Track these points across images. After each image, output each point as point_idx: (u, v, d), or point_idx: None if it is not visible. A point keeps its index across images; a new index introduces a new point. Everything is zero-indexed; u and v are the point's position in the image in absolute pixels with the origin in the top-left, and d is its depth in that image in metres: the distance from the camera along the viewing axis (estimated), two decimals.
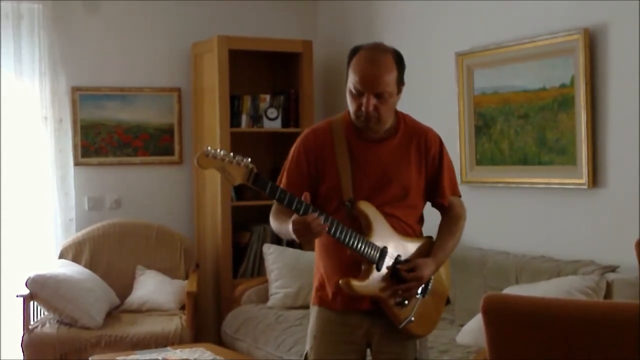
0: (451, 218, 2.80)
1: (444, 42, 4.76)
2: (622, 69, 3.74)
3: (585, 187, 3.90)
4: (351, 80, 2.61)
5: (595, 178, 3.87)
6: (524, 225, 4.30)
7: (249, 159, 2.48)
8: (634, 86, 3.67)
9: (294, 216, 2.49)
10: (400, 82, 2.64)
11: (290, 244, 5.45)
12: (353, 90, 2.61)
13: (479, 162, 4.54)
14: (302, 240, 2.55)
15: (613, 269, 3.65)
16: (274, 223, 2.72)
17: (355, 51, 2.65)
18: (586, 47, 3.84)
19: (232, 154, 2.47)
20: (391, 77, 2.59)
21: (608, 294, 3.54)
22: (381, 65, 2.58)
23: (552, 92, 4.07)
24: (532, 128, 4.19)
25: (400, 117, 2.75)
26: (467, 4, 4.62)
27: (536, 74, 4.15)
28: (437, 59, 4.75)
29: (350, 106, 2.64)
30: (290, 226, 2.50)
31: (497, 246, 4.35)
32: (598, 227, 3.89)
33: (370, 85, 2.57)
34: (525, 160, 4.25)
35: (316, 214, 2.47)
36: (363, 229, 2.61)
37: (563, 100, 4.00)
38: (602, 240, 3.85)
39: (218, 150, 2.47)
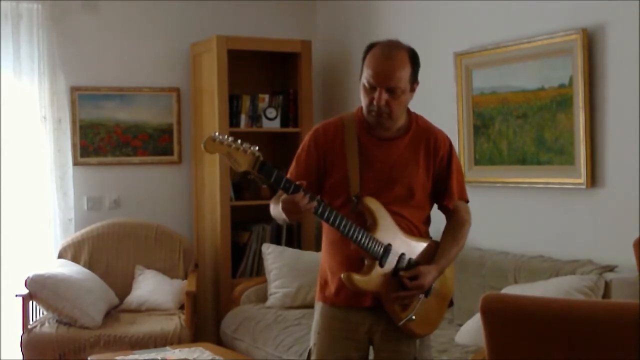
0: (456, 223, 2.80)
1: (442, 42, 4.77)
2: (621, 69, 3.75)
3: (584, 186, 3.91)
4: (365, 75, 2.63)
5: (594, 178, 3.88)
6: (522, 225, 4.30)
7: (256, 147, 2.49)
8: (633, 86, 3.68)
9: (284, 195, 2.52)
10: (413, 80, 2.65)
11: (290, 243, 5.46)
12: (366, 84, 2.63)
13: (478, 162, 4.54)
14: (290, 218, 2.57)
15: (611, 268, 3.65)
16: (272, 208, 2.75)
17: (370, 47, 2.67)
18: (585, 47, 3.84)
19: (239, 140, 2.48)
20: (404, 73, 2.60)
21: (606, 293, 3.54)
22: (395, 60, 2.60)
23: (551, 92, 4.07)
24: (531, 128, 4.20)
25: (413, 117, 2.76)
26: (466, 4, 4.63)
27: (535, 74, 4.16)
28: (436, 59, 4.75)
29: (363, 101, 2.66)
30: (280, 205, 2.54)
31: (495, 246, 4.35)
32: (596, 226, 3.89)
33: (383, 80, 2.58)
34: (523, 160, 4.26)
35: (302, 193, 2.49)
36: (368, 224, 2.62)
37: (561, 100, 4.01)
38: (601, 239, 3.85)
39: (225, 136, 2.48)
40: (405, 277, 2.62)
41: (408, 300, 2.65)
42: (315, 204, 2.52)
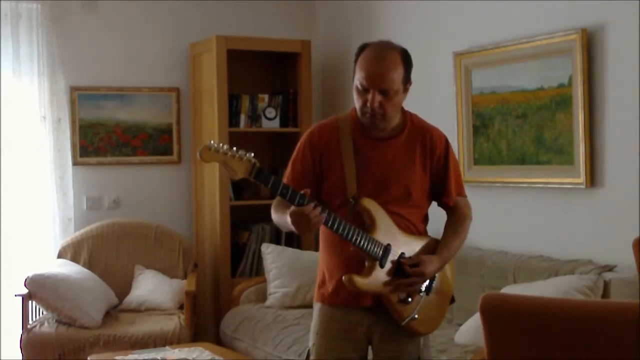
0: (457, 218, 2.81)
1: (442, 42, 4.77)
2: (620, 69, 3.75)
3: (583, 186, 3.91)
4: (357, 77, 2.62)
5: (593, 177, 3.89)
6: (522, 225, 4.31)
7: (252, 154, 2.49)
8: (632, 86, 3.68)
9: (292, 207, 2.51)
10: (406, 81, 2.65)
11: (289, 243, 5.46)
12: (359, 87, 2.62)
13: (477, 162, 4.55)
14: (300, 232, 2.57)
15: (610, 268, 3.66)
16: (274, 215, 2.74)
17: (362, 48, 2.66)
18: (584, 47, 3.85)
19: (234, 148, 2.49)
20: (397, 74, 2.60)
21: (606, 293, 3.55)
22: (388, 62, 2.59)
23: (550, 92, 4.08)
24: (530, 128, 4.20)
25: (407, 116, 2.76)
26: (465, 4, 4.63)
27: (534, 74, 4.16)
28: (435, 59, 4.76)
29: (356, 102, 2.66)
30: (288, 217, 2.52)
31: (495, 246, 4.36)
32: (596, 226, 3.90)
33: (375, 82, 2.58)
34: (523, 160, 4.26)
35: (312, 205, 2.49)
36: (366, 226, 2.62)
37: (561, 100, 4.02)
38: (600, 239, 3.86)
39: (221, 144, 2.48)
40: (407, 264, 2.62)
41: (409, 289, 2.64)
42: (325, 215, 2.52)
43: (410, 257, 2.66)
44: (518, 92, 4.27)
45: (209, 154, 2.47)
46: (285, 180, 2.72)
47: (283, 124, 5.57)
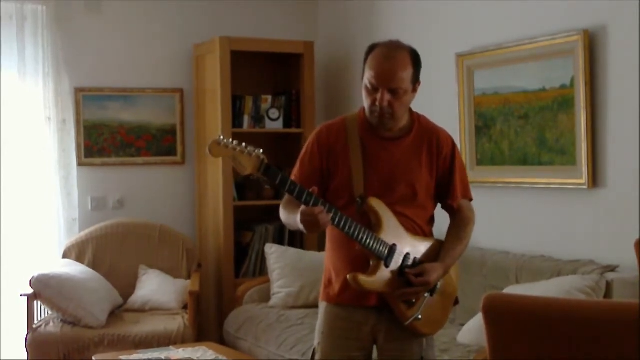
0: (460, 222, 2.82)
1: (444, 43, 4.79)
2: (622, 70, 3.77)
3: (585, 187, 3.93)
4: (367, 76, 2.64)
5: (595, 178, 3.90)
6: (524, 225, 4.32)
7: (261, 150, 2.51)
8: (634, 87, 3.69)
9: (303, 207, 2.52)
10: (415, 81, 2.67)
11: (292, 243, 5.47)
12: (368, 86, 2.64)
13: (480, 162, 4.56)
14: (309, 231, 2.59)
15: (613, 268, 3.67)
16: (283, 213, 2.76)
17: (372, 48, 2.68)
18: (586, 48, 3.86)
19: (244, 144, 2.50)
20: (406, 74, 2.62)
21: (608, 293, 3.56)
22: (397, 61, 2.61)
23: (552, 93, 4.09)
24: (532, 128, 4.22)
25: (415, 117, 2.78)
26: (468, 5, 4.65)
27: (536, 75, 4.18)
28: (438, 60, 4.77)
29: (365, 102, 2.68)
30: (298, 217, 2.54)
31: (497, 246, 4.37)
32: (598, 227, 3.91)
33: (385, 81, 2.60)
34: (525, 161, 4.28)
35: (323, 207, 2.51)
36: (373, 225, 2.64)
37: (563, 101, 4.03)
38: (602, 240, 3.87)
39: (230, 140, 2.50)
40: (411, 274, 2.64)
41: (413, 297, 2.67)
42: (331, 214, 2.53)
43: (414, 265, 2.67)
44: (520, 93, 4.28)
45: (219, 148, 2.49)
46: (293, 177, 2.73)
47: (286, 124, 5.59)
